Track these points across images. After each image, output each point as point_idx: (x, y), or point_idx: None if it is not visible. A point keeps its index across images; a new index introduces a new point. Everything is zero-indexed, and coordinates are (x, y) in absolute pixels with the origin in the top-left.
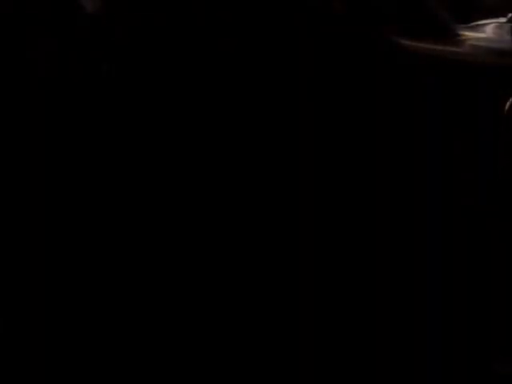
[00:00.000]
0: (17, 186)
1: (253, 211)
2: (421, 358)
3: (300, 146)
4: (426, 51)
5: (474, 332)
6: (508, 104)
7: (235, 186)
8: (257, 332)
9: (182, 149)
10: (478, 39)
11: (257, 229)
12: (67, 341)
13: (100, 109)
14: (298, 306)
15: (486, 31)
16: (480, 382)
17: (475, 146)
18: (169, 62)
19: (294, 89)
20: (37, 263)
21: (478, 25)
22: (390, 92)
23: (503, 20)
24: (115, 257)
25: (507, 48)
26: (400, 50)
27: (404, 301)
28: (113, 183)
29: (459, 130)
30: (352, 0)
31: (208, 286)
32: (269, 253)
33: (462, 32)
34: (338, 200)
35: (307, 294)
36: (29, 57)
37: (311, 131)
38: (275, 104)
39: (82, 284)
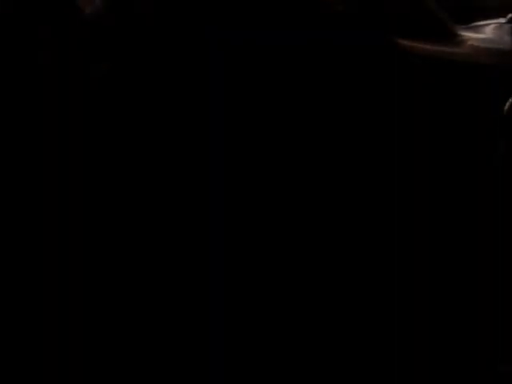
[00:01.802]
0: (22, 184)
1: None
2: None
3: (294, 145)
4: (426, 52)
5: (480, 332)
6: (508, 104)
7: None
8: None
9: (183, 149)
10: (478, 40)
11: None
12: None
13: (98, 109)
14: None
15: (486, 32)
16: (485, 380)
17: (474, 145)
18: (167, 63)
19: (293, 88)
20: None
21: (477, 25)
22: (389, 92)
23: (503, 21)
24: (114, 257)
25: (507, 48)
26: (400, 51)
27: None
28: (111, 184)
29: (459, 130)
30: (352, 0)
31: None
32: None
33: (461, 33)
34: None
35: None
36: (28, 57)
37: (305, 130)
38: (274, 103)
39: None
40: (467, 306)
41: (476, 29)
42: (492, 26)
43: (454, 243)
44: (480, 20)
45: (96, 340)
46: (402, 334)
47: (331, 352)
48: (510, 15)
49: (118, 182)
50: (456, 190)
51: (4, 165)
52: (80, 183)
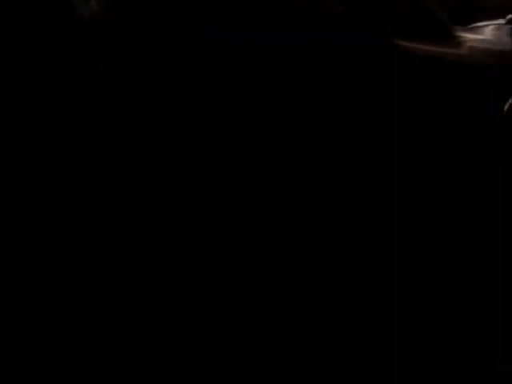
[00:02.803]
0: (22, 184)
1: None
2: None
3: (293, 146)
4: (426, 52)
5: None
6: (507, 105)
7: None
8: None
9: (183, 149)
10: (477, 41)
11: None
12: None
13: (98, 111)
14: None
15: (485, 33)
16: (485, 380)
17: (473, 146)
18: (167, 64)
19: (293, 88)
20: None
21: (477, 26)
22: (389, 92)
23: (502, 22)
24: (114, 257)
25: (506, 49)
26: (400, 51)
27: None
28: (111, 183)
29: (459, 131)
30: (351, 0)
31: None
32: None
33: (461, 34)
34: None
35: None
36: (28, 58)
37: (305, 130)
38: (271, 104)
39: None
40: (467, 306)
41: (475, 30)
42: (491, 27)
43: (453, 243)
44: (480, 20)
45: (96, 339)
46: (402, 334)
47: (331, 352)
48: (509, 16)
49: (118, 182)
50: (456, 190)
51: (4, 165)
52: (80, 183)
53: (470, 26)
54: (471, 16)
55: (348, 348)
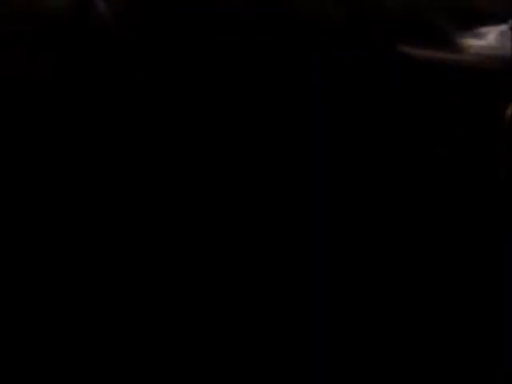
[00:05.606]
0: (19, 185)
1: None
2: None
3: (301, 150)
4: (428, 58)
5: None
6: (510, 109)
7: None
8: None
9: (185, 149)
10: (480, 47)
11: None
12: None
13: (109, 106)
14: None
15: (488, 38)
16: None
17: (476, 152)
18: (181, 61)
19: (299, 92)
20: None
21: (479, 32)
22: (390, 97)
23: (504, 27)
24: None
25: (509, 55)
26: (401, 58)
27: None
28: (117, 184)
29: (461, 136)
30: (352, 5)
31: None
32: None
33: (463, 39)
34: None
35: None
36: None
37: (306, 132)
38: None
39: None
40: (467, 305)
41: (478, 35)
42: (494, 33)
43: (453, 245)
44: (481, 25)
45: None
46: (401, 334)
47: (331, 352)
48: (511, 21)
49: (118, 183)
50: (456, 193)
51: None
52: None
53: (472, 32)
54: (473, 20)
55: (347, 347)
